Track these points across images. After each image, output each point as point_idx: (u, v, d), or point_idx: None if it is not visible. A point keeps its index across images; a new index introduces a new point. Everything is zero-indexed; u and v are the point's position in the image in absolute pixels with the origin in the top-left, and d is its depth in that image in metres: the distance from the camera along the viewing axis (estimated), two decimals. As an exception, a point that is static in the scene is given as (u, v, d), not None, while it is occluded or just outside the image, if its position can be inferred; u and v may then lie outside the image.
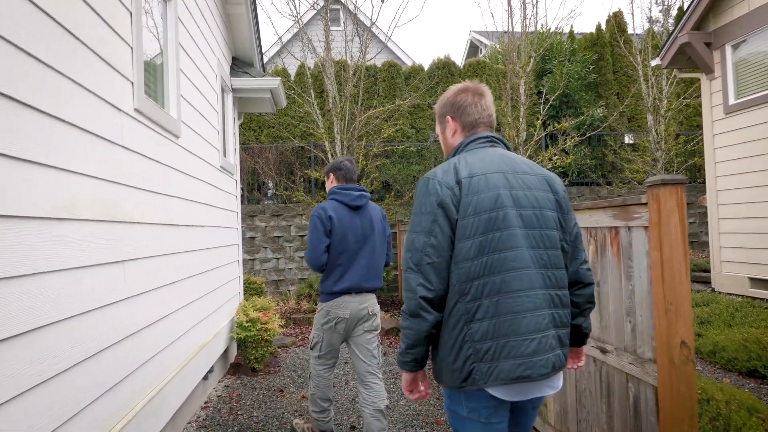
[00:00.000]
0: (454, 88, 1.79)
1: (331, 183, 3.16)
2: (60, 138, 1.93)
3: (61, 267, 1.91)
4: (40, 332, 1.78)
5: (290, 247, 9.49)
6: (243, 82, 5.55)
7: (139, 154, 2.71)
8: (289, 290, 9.37)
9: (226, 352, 5.06)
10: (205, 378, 4.24)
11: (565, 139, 6.67)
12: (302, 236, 9.53)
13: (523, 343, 1.47)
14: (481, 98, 1.74)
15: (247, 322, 4.86)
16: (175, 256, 3.27)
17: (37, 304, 1.75)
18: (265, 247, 9.44)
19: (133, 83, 2.65)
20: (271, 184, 10.49)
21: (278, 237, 9.51)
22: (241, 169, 9.80)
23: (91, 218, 2.14)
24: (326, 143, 8.46)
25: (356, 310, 2.96)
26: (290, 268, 9.48)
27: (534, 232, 1.54)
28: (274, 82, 5.64)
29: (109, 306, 2.31)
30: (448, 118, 1.77)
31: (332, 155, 8.42)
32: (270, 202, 9.94)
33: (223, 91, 5.37)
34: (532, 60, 6.74)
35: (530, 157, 6.76)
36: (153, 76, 3.18)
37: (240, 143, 10.14)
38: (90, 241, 2.13)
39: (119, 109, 2.47)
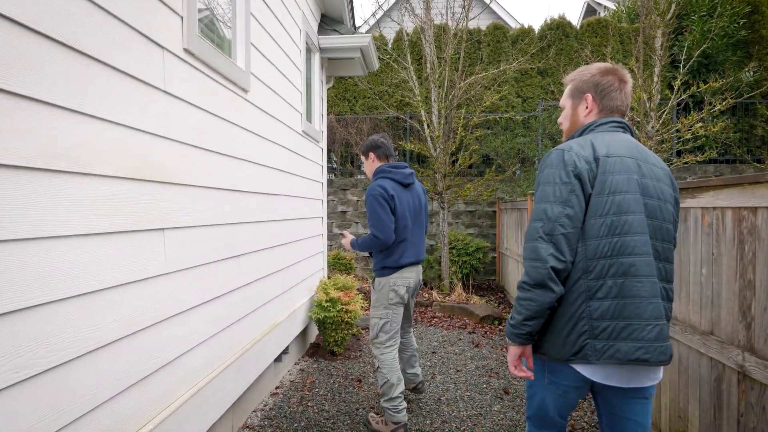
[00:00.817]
0: (598, 66, 1.74)
1: (372, 162, 3.16)
2: (70, 69, 1.52)
3: (68, 233, 1.53)
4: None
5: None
6: (331, 40, 5.08)
7: (188, 104, 2.29)
8: (379, 268, 8.98)
9: (305, 332, 4.73)
10: (279, 360, 3.91)
11: (712, 103, 5.40)
12: (394, 212, 9.06)
13: (646, 327, 1.48)
14: (625, 85, 1.72)
15: (326, 301, 4.47)
16: (236, 227, 2.88)
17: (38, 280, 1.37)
18: (357, 222, 9.11)
19: (182, 18, 2.22)
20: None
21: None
22: (334, 141, 9.52)
23: (112, 174, 1.74)
24: (422, 112, 7.82)
25: (416, 279, 3.11)
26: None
27: (655, 223, 1.56)
28: (365, 40, 5.09)
29: (135, 284, 1.93)
30: (589, 96, 1.72)
31: (428, 125, 7.77)
32: (362, 176, 9.57)
33: (309, 50, 4.94)
34: (673, 5, 5.50)
35: (664, 125, 5.60)
36: (215, 17, 2.76)
37: (334, 113, 9.85)
38: (111, 202, 1.74)
39: (161, 46, 2.05)
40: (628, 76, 1.73)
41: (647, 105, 5.34)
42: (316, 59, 5.06)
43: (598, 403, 1.71)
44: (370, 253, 3.08)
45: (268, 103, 3.43)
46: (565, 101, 1.81)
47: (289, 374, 4.12)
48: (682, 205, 2.67)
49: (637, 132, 5.38)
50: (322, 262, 5.40)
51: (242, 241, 2.98)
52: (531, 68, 9.65)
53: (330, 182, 9.14)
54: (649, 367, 1.55)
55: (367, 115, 9.80)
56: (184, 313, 2.27)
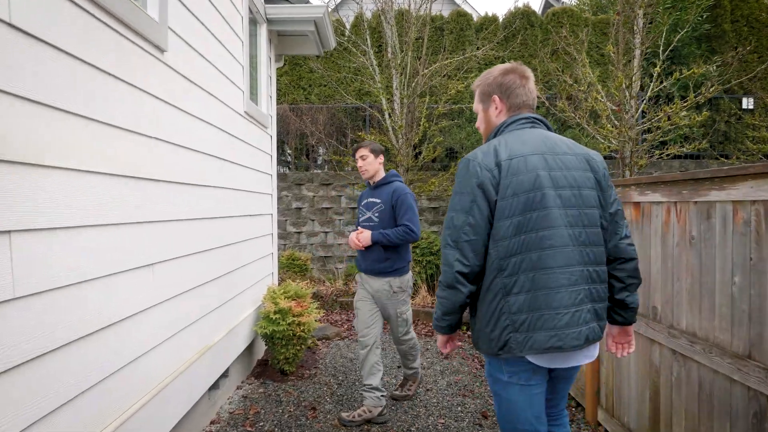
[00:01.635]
0: (499, 67, 1.81)
1: (380, 163, 3.32)
2: None
3: None
4: None
5: (340, 220, 8.43)
6: (280, 10, 4.40)
7: (64, 53, 1.60)
8: (337, 269, 8.35)
9: (250, 347, 4.06)
10: (215, 386, 3.23)
11: (688, 96, 5.07)
12: (353, 208, 8.44)
13: (556, 316, 1.57)
14: (527, 81, 1.78)
15: (275, 313, 3.81)
16: (142, 228, 2.20)
17: None
18: (313, 220, 8.44)
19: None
20: (321, 150, 9.44)
21: (327, 209, 8.46)
22: (288, 132, 8.79)
23: None
24: (383, 101, 7.24)
25: None
26: (339, 244, 8.43)
27: (572, 212, 1.61)
28: (319, 11, 4.44)
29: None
30: (495, 97, 1.79)
31: (389, 114, 7.20)
32: (319, 171, 8.88)
33: (254, 21, 4.24)
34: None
35: (644, 113, 5.24)
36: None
37: (287, 102, 9.11)
38: None
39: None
40: (528, 72, 1.80)
41: (627, 93, 4.94)
42: (263, 32, 4.37)
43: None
44: (389, 252, 3.19)
45: (195, 71, 2.74)
46: (476, 107, 1.88)
47: (229, 403, 3.45)
48: (703, 198, 2.21)
49: (615, 123, 5.00)
50: (272, 265, 4.72)
51: (154, 246, 2.29)
52: (496, 58, 9.23)
53: (284, 176, 8.42)
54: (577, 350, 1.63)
55: (324, 104, 9.12)
56: (58, 350, 1.59)
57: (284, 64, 9.42)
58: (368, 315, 3.26)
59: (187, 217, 2.67)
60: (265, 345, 4.14)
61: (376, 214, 3.20)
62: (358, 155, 3.26)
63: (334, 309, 6.71)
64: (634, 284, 1.76)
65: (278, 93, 9.36)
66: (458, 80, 7.37)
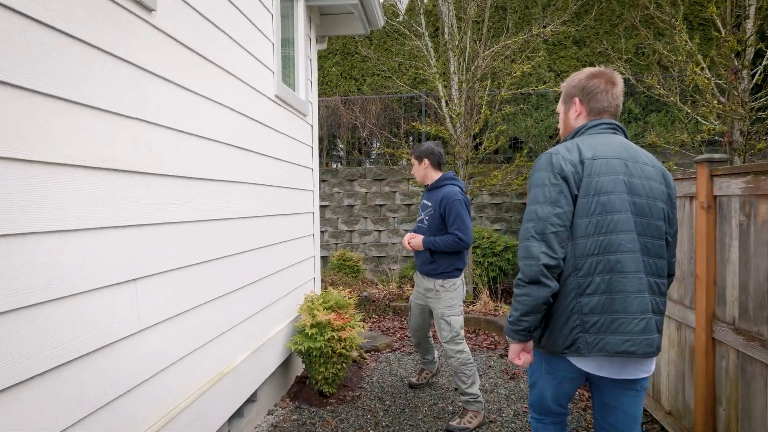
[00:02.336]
0: (586, 71, 1.79)
1: (425, 168, 3.28)
2: None
3: None
4: None
5: (394, 218, 7.89)
6: (319, -18, 3.89)
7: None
8: (390, 270, 7.82)
9: (287, 362, 3.60)
10: (238, 415, 2.78)
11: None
12: (408, 205, 7.87)
13: (632, 321, 1.54)
14: (613, 87, 1.75)
15: (311, 327, 3.32)
16: (151, 229, 1.73)
17: None
18: (365, 217, 7.95)
19: None
20: (374, 143, 8.94)
21: (380, 206, 7.95)
22: (339, 125, 8.36)
23: None
24: (439, 86, 6.60)
25: None
26: (393, 243, 7.89)
27: (643, 220, 1.60)
28: (363, -18, 3.89)
29: None
30: (576, 100, 1.79)
31: (446, 102, 6.55)
32: (373, 165, 8.38)
33: (290, -6, 3.76)
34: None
35: (759, 87, 4.29)
36: None
37: (339, 93, 8.68)
38: None
39: None
40: (616, 78, 1.76)
41: (736, 62, 4.03)
42: (300, 7, 3.88)
43: (592, 392, 1.80)
44: (437, 255, 3.16)
45: (201, 40, 2.27)
46: (559, 107, 1.88)
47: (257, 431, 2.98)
48: None
49: (722, 100, 4.10)
50: (314, 270, 4.24)
51: (137, 256, 1.82)
52: (565, 37, 8.33)
53: (335, 172, 7.99)
54: (639, 360, 1.62)
55: (376, 95, 8.60)
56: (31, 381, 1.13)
57: (335, 54, 8.99)
58: (418, 315, 3.45)
59: (212, 218, 2.21)
60: (302, 362, 3.66)
61: (427, 218, 3.21)
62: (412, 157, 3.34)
63: (387, 315, 6.18)
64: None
65: (329, 84, 8.94)
66: (523, 62, 6.58)
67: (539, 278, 1.54)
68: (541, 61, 8.03)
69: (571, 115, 1.79)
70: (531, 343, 1.73)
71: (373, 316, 6.12)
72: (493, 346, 4.82)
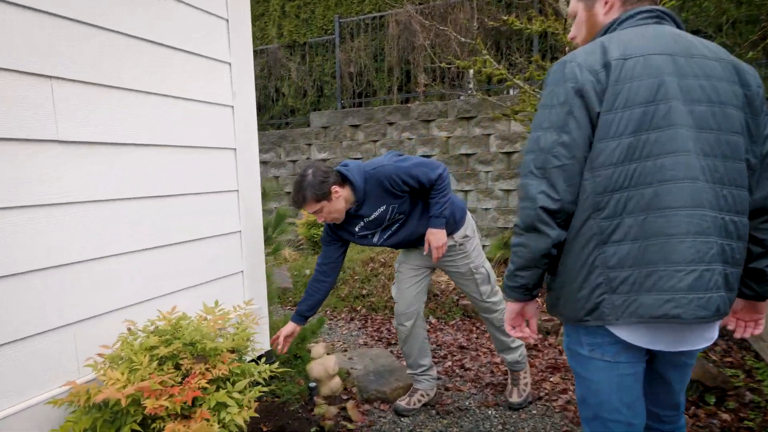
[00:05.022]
0: None
1: (337, 197, 2.20)
2: None
3: None
4: None
5: (487, 173, 5.52)
6: None
7: None
8: (483, 246, 5.51)
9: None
10: None
11: None
12: (508, 154, 5.43)
13: (675, 274, 1.14)
14: None
15: (85, 411, 1.38)
16: None
17: None
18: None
19: None
20: (470, 72, 6.50)
21: (467, 155, 5.63)
22: (413, 47, 6.13)
23: None
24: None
25: None
26: (485, 209, 5.56)
27: (708, 135, 1.18)
28: None
29: None
30: None
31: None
32: (458, 98, 5.96)
33: None
34: None
35: None
36: None
37: (416, 2, 6.38)
38: None
39: None
40: None
41: None
42: None
43: None
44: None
45: None
46: (574, 6, 1.42)
47: None
48: None
49: None
50: (240, 257, 2.29)
51: None
52: None
53: (405, 111, 5.85)
54: (697, 325, 1.20)
55: None
56: None
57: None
58: (413, 283, 2.54)
59: None
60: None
61: (396, 215, 2.27)
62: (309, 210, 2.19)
63: (452, 318, 4.01)
64: None
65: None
66: None
67: (536, 225, 1.21)
68: None
69: (598, 10, 1.34)
70: (532, 307, 1.36)
71: (431, 318, 4.00)
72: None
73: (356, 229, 2.30)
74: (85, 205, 1.60)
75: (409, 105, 5.90)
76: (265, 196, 2.84)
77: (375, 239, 2.36)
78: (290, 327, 2.34)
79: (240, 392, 1.56)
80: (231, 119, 2.17)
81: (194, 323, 1.61)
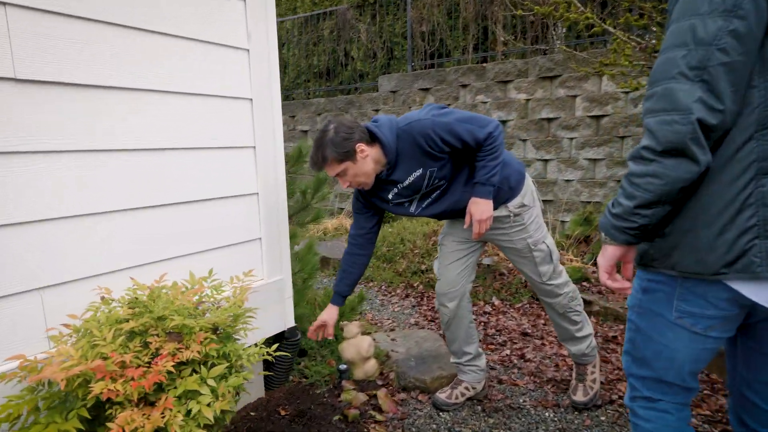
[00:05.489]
0: None
1: (364, 156, 1.87)
2: None
3: None
4: None
5: (571, 139, 4.89)
6: None
7: None
8: (560, 222, 4.94)
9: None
10: None
11: None
12: (597, 118, 4.74)
13: None
14: None
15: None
16: None
17: None
18: (524, 139, 5.14)
19: None
20: (559, 26, 5.78)
21: (548, 120, 5.01)
22: (491, 1, 5.52)
23: None
24: None
25: None
26: (567, 180, 4.95)
27: None
28: None
29: None
30: None
31: None
32: (542, 56, 5.27)
33: None
34: None
35: None
36: None
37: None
38: None
39: None
40: None
41: None
42: None
43: (739, 334, 1.18)
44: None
45: None
46: None
47: None
48: None
49: None
50: (258, 222, 2.06)
51: None
52: None
53: (481, 72, 5.32)
54: None
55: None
56: None
57: None
58: (455, 258, 2.15)
59: None
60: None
61: (437, 180, 1.91)
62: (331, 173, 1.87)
63: (520, 300, 3.57)
64: None
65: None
66: None
67: (686, 145, 0.92)
68: None
69: None
70: (633, 252, 1.13)
71: (494, 299, 3.59)
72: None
73: (390, 196, 1.98)
74: (74, 155, 1.42)
75: (484, 65, 5.36)
76: (301, 158, 2.59)
77: (412, 208, 2.02)
78: (331, 311, 2.12)
79: (216, 379, 1.32)
80: (246, 63, 1.90)
81: (169, 295, 1.38)
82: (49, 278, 1.42)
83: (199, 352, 1.30)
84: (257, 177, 1.99)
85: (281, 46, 7.51)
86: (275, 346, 1.54)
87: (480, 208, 1.86)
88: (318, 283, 3.85)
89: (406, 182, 1.90)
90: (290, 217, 2.73)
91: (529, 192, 2.07)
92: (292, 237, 2.74)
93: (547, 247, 2.09)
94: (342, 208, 6.42)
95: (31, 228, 1.37)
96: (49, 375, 1.13)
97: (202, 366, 1.33)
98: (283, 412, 2.05)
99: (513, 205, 2.01)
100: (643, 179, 1.00)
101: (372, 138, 1.84)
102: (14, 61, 1.29)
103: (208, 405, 1.24)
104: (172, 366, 1.26)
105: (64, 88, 1.40)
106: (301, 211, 2.66)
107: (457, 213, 2.01)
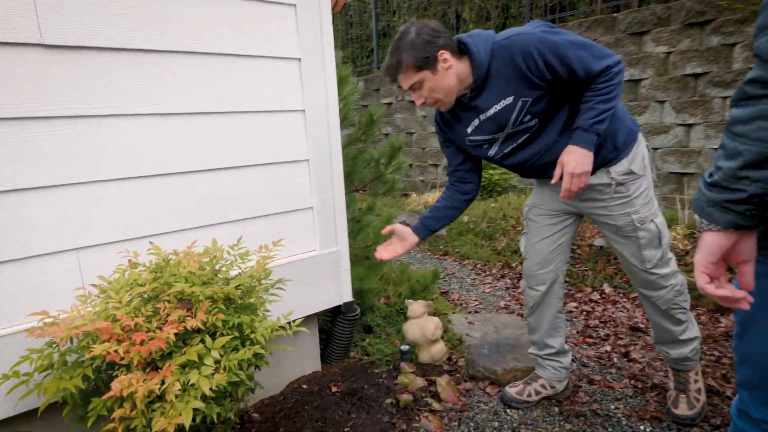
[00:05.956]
0: None
1: (447, 67, 1.59)
2: None
3: None
4: None
5: (723, 98, 4.02)
6: None
7: None
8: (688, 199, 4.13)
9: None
10: None
11: None
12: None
13: None
14: None
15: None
16: None
17: None
18: (662, 101, 4.37)
19: None
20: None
21: (695, 75, 4.18)
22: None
23: None
24: None
25: None
26: (714, 149, 4.11)
27: None
28: None
29: None
30: None
31: None
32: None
33: None
34: None
35: None
36: None
37: None
38: None
39: None
40: None
41: None
42: None
43: None
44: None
45: None
46: None
47: None
48: None
49: None
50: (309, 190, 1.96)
51: None
52: None
53: (611, 23, 4.60)
54: None
55: None
56: None
57: None
58: (546, 235, 1.84)
59: None
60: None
61: (525, 118, 1.58)
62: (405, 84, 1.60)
63: (634, 290, 3.06)
64: None
65: None
66: None
67: None
68: None
69: None
70: (751, 240, 0.80)
71: (605, 286, 3.12)
72: None
73: (468, 129, 1.67)
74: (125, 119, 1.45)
75: (614, 15, 4.63)
76: (372, 123, 2.44)
77: (492, 151, 1.70)
78: (407, 233, 1.80)
79: (226, 351, 1.26)
80: (294, 20, 1.78)
81: (182, 261, 1.34)
82: (84, 239, 1.47)
83: (203, 322, 1.25)
84: (307, 143, 1.88)
85: (391, 12, 7.33)
86: (299, 321, 1.43)
87: (576, 159, 1.50)
88: (396, 260, 3.71)
89: (491, 112, 1.58)
90: (363, 187, 2.60)
91: (639, 157, 1.66)
92: (369, 209, 2.63)
93: (657, 227, 1.69)
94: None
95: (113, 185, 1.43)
96: (52, 333, 1.15)
97: (208, 337, 1.27)
98: (334, 389, 1.97)
99: (617, 170, 1.62)
100: (751, 125, 0.72)
101: (461, 51, 1.55)
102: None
103: (210, 377, 1.18)
104: (183, 334, 1.22)
105: (128, 54, 1.42)
106: (375, 180, 2.52)
107: (546, 168, 1.66)
